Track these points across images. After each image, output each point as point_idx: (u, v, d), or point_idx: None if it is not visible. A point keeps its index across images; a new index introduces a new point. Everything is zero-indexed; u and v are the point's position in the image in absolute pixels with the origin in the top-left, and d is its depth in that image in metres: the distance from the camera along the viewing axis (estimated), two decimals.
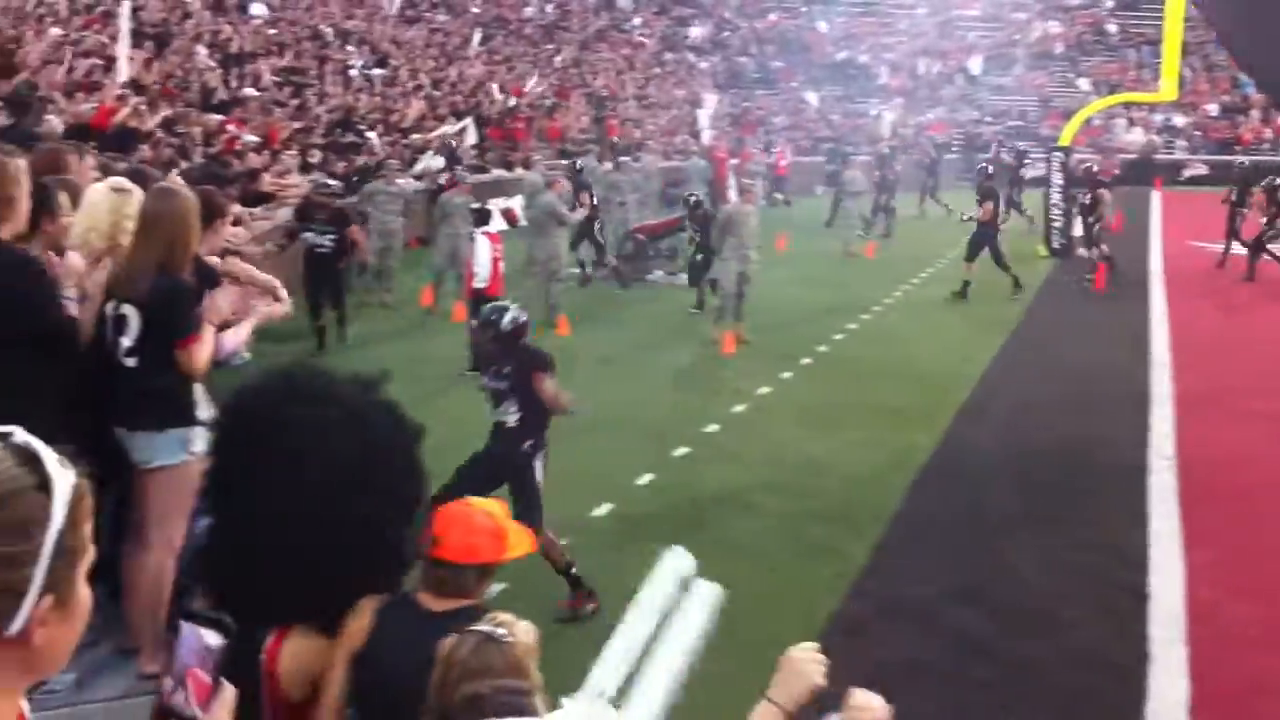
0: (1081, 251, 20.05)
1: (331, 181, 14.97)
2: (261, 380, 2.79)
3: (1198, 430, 10.48)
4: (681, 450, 9.75)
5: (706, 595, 2.65)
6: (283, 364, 2.84)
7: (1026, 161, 28.01)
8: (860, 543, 7.84)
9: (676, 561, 2.60)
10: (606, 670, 2.48)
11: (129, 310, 4.29)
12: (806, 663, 2.72)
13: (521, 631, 2.42)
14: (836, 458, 9.69)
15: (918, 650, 6.32)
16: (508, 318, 7.17)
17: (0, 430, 1.41)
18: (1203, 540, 7.93)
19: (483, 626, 2.36)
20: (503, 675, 2.27)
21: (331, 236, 13.02)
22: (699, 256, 16.32)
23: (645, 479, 8.99)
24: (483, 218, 12.90)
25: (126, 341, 4.31)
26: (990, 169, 20.66)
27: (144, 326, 4.28)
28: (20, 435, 1.42)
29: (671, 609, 2.58)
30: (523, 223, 17.80)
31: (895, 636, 6.51)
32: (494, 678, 2.26)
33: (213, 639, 2.40)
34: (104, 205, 4.61)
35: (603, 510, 8.30)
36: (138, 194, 4.62)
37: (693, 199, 17.63)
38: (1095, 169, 21.29)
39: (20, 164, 4.19)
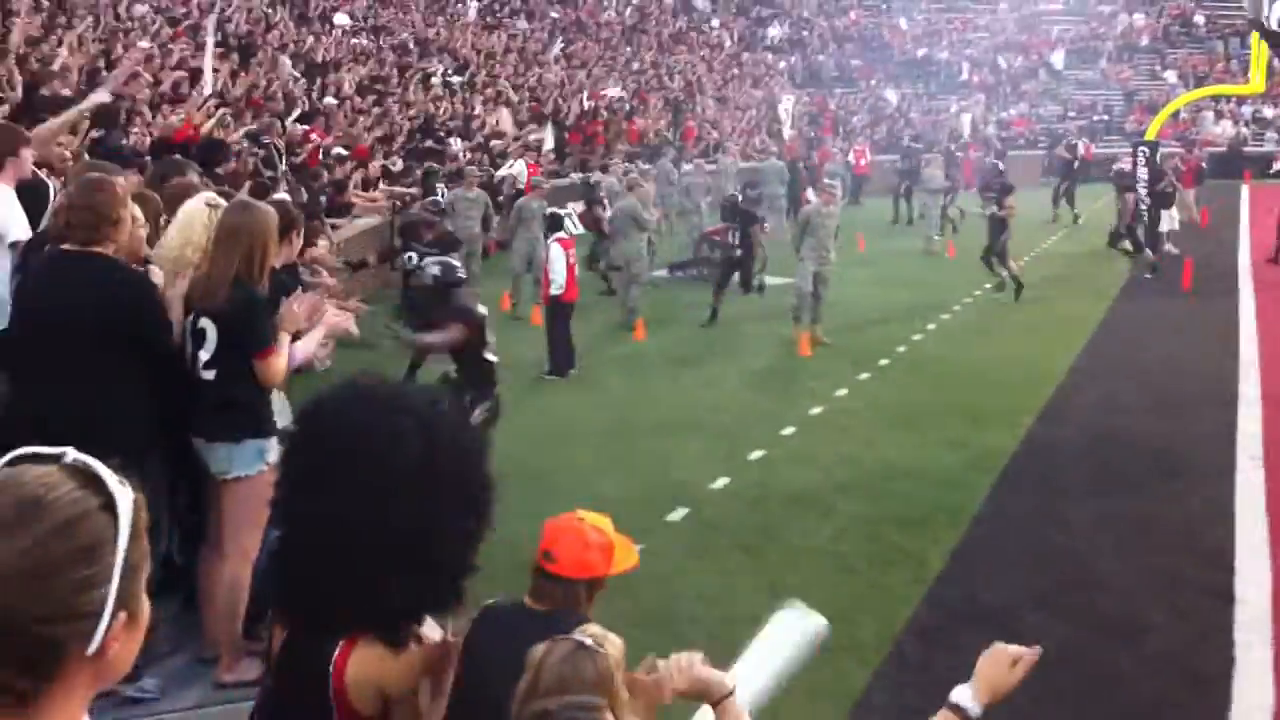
0: (1170, 248, 19.73)
1: (440, 199, 15.06)
2: (332, 389, 2.84)
3: None
4: (757, 453, 9.74)
5: (814, 628, 2.72)
6: (351, 374, 2.89)
7: (1079, 155, 28.31)
8: (938, 547, 7.77)
9: (815, 627, 2.68)
10: None
11: (206, 323, 4.41)
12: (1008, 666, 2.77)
13: (611, 644, 2.43)
14: (914, 461, 9.61)
15: None
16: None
17: (52, 452, 1.44)
18: None
19: (576, 635, 2.38)
20: (592, 686, 2.28)
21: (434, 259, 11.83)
22: (729, 256, 16.07)
23: (721, 483, 8.99)
24: (555, 224, 12.99)
25: (204, 354, 4.43)
26: (1002, 166, 20.52)
27: (220, 339, 4.39)
28: (74, 455, 1.44)
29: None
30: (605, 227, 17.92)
31: (972, 643, 6.37)
32: (582, 688, 2.27)
33: None
34: (200, 220, 4.72)
35: (678, 515, 8.30)
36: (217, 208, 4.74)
37: (735, 195, 17.02)
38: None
39: (122, 182, 4.33)
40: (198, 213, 4.77)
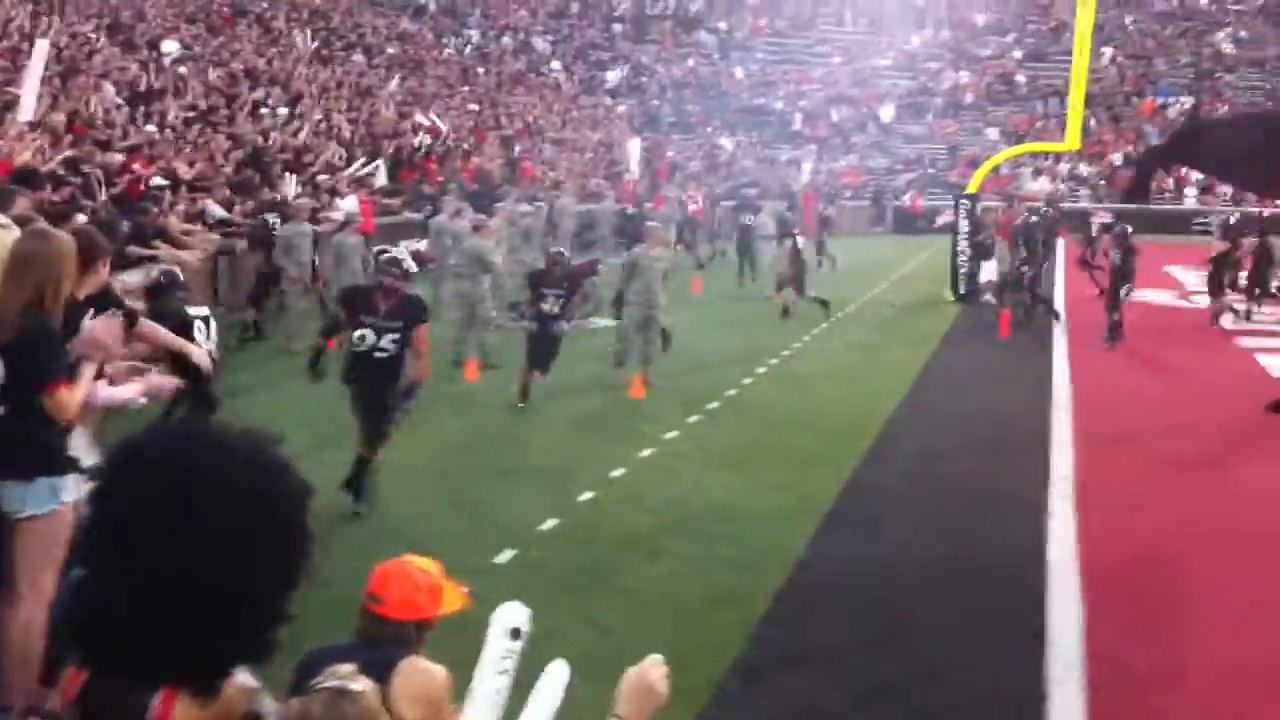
0: (988, 297, 20.43)
1: (404, 256, 12.78)
2: (156, 429, 2.71)
3: (1098, 474, 10.64)
4: (587, 495, 9.68)
5: (558, 675, 2.63)
6: (177, 416, 2.78)
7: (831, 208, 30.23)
8: (764, 588, 7.80)
9: (509, 616, 2.57)
10: None
11: None
12: (653, 679, 2.76)
13: (365, 682, 2.42)
14: (742, 503, 9.68)
15: (818, 697, 6.29)
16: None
17: None
18: (1102, 582, 8.02)
19: (331, 682, 2.33)
20: None
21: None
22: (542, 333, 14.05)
23: (549, 524, 8.89)
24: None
25: None
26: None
27: (9, 371, 4.15)
28: None
29: (511, 662, 2.57)
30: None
31: (796, 683, 6.47)
32: None
33: None
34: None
35: (505, 557, 8.18)
36: (16, 231, 4.49)
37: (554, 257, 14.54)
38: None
39: None
40: None
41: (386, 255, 9.34)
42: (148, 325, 6.07)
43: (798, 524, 9.13)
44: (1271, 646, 7.09)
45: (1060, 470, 10.77)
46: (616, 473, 10.41)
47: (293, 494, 2.66)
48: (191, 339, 7.85)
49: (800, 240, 20.20)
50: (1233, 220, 20.76)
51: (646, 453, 11.11)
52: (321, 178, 21.62)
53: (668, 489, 10.00)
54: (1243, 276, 19.63)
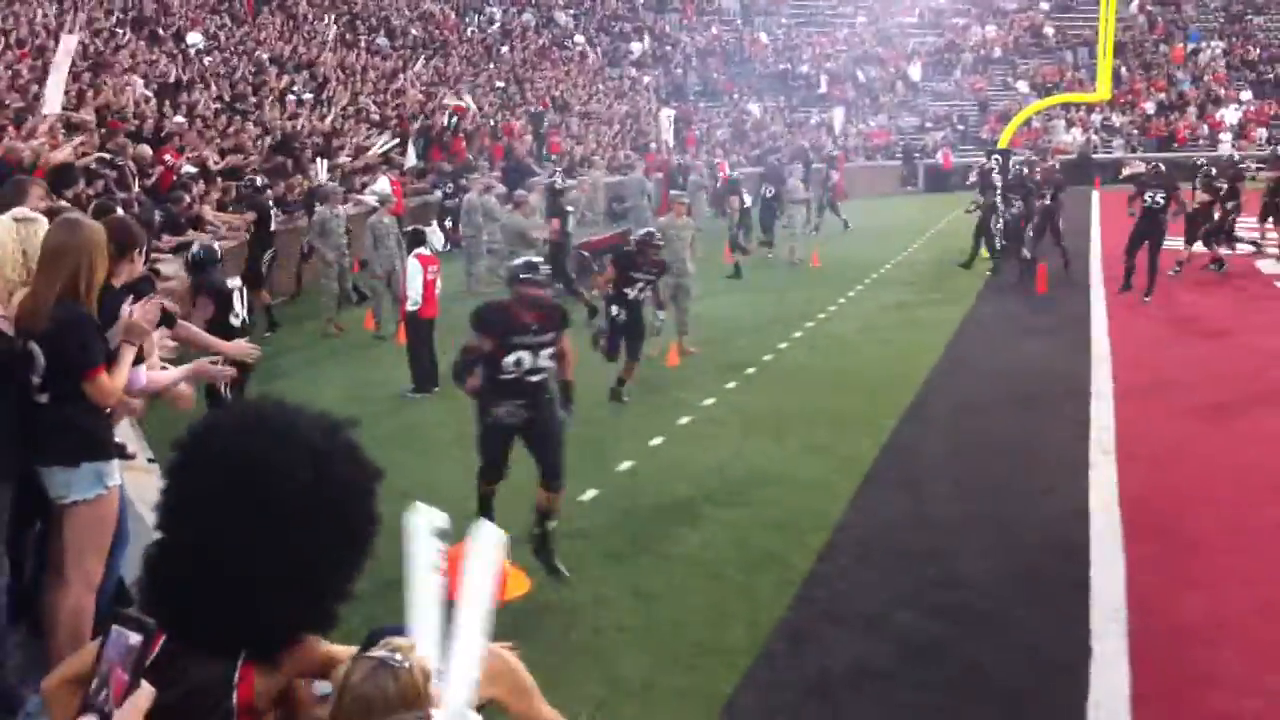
0: (1025, 252, 20.26)
1: (436, 234, 14.14)
2: (226, 412, 2.81)
3: (1138, 425, 10.59)
4: (625, 464, 9.73)
5: (489, 536, 2.57)
6: (252, 398, 2.87)
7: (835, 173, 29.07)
8: (805, 550, 7.83)
9: (429, 517, 2.52)
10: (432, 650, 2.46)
11: (34, 346, 4.24)
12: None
13: (418, 658, 2.45)
14: (781, 467, 9.70)
15: (862, 655, 6.32)
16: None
17: None
18: (1143, 533, 8.00)
19: (378, 652, 2.37)
20: (397, 703, 2.27)
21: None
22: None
23: (589, 495, 8.96)
24: (416, 239, 12.85)
25: (35, 378, 4.25)
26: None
27: (49, 361, 4.22)
28: None
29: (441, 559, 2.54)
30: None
31: (840, 643, 6.50)
32: (386, 707, 2.26)
33: (134, 638, 2.37)
34: (9, 237, 4.52)
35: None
36: (43, 224, 4.55)
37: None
38: (1030, 171, 21.55)
39: None
40: (5, 229, 4.58)
41: (522, 260, 7.70)
42: (185, 327, 6.19)
43: (838, 486, 9.15)
44: None
45: (1100, 422, 10.72)
46: (655, 441, 10.45)
47: (357, 478, 2.74)
48: (231, 308, 9.31)
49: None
50: (1214, 170, 20.32)
51: (684, 420, 11.15)
52: (344, 159, 21.67)
53: (707, 456, 10.03)
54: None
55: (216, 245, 10.48)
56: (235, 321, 9.39)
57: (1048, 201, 19.69)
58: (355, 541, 2.71)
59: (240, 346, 6.94)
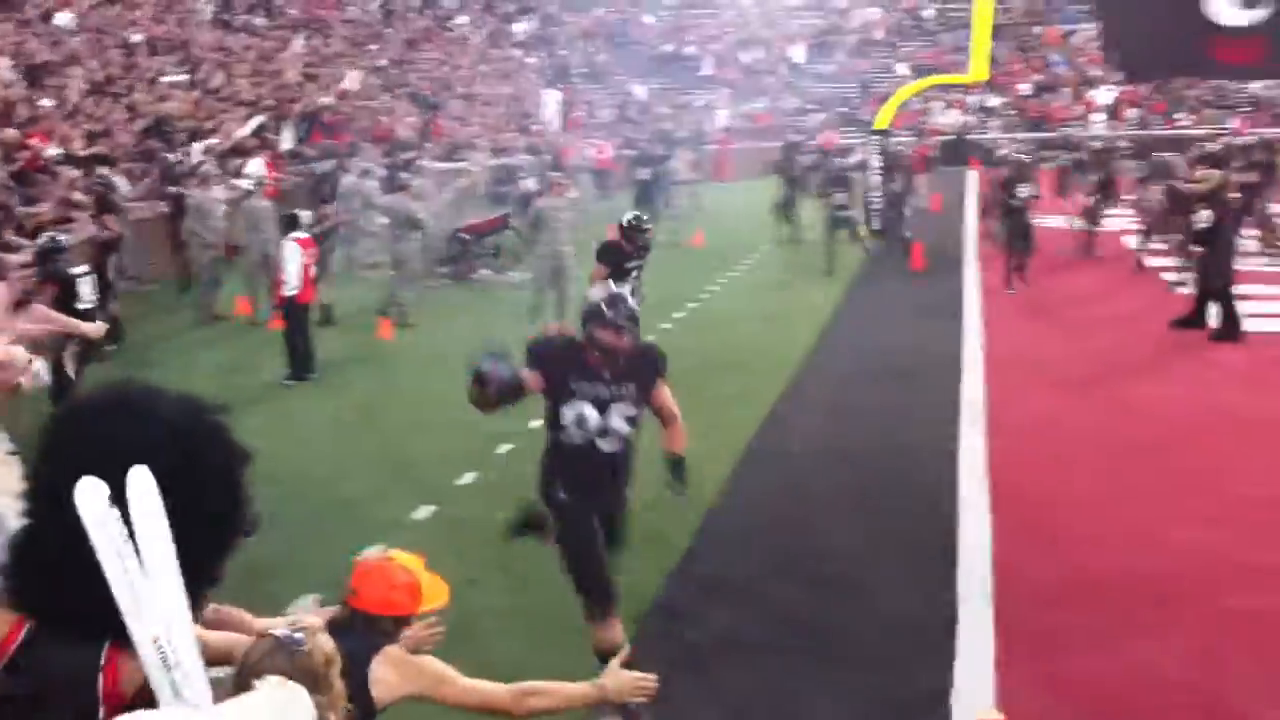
0: (906, 232, 20.58)
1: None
2: (86, 396, 2.77)
3: (1006, 397, 10.86)
4: (506, 447, 9.71)
5: (142, 480, 2.49)
6: (116, 380, 2.81)
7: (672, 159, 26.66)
8: (683, 528, 7.90)
9: (91, 491, 2.43)
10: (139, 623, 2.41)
11: None
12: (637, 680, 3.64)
13: (321, 641, 2.45)
14: (660, 446, 9.73)
15: (734, 627, 6.42)
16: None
17: None
18: (1009, 502, 8.21)
19: (280, 631, 2.38)
20: (302, 682, 2.29)
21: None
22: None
23: (468, 478, 8.94)
24: (291, 223, 12.67)
25: None
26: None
27: None
28: None
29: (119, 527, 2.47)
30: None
31: (714, 616, 6.60)
32: None
33: None
34: None
35: (424, 513, 8.22)
36: None
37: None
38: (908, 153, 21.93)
39: None
40: None
41: (609, 294, 5.62)
42: (39, 309, 6.07)
43: (717, 463, 9.24)
44: (1164, 558, 7.32)
45: (970, 395, 10.98)
46: (536, 424, 10.33)
47: (223, 461, 2.71)
48: (76, 294, 9.88)
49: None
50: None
51: None
52: (212, 141, 21.20)
53: None
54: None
55: (63, 237, 10.81)
56: (81, 307, 9.79)
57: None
58: (223, 524, 2.68)
59: (92, 327, 6.91)
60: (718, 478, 8.89)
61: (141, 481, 2.36)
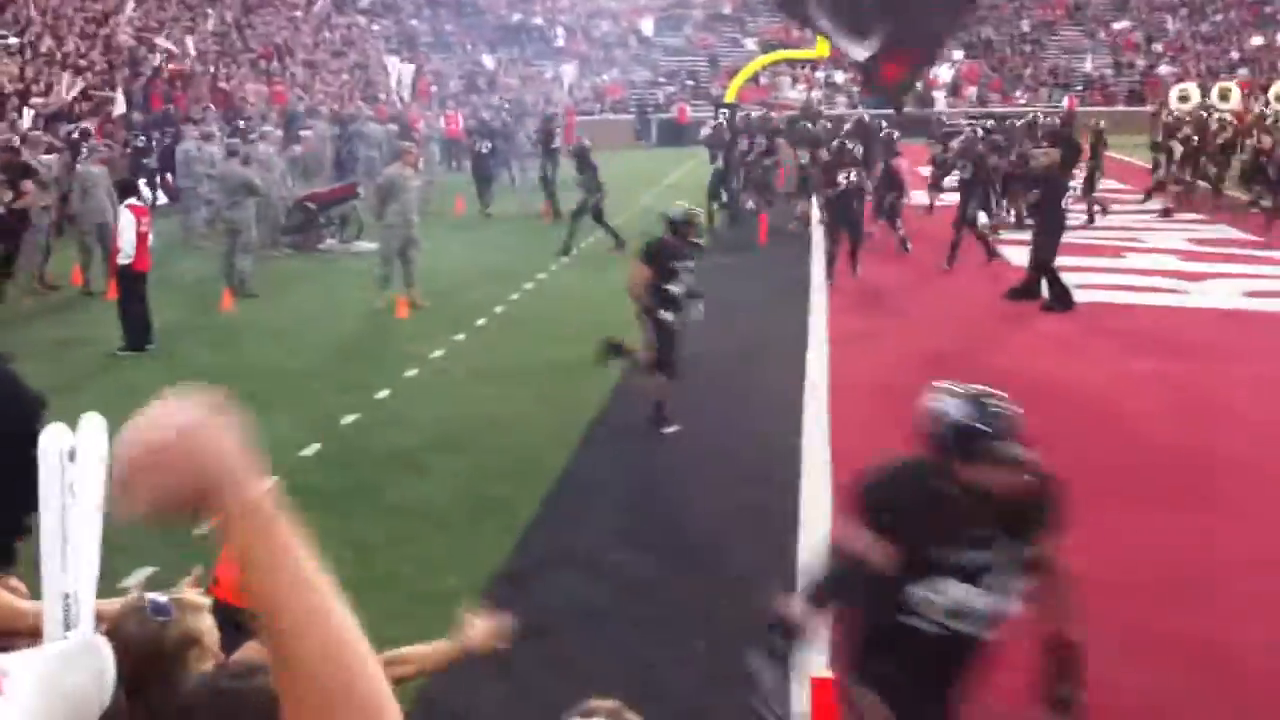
0: (750, 205, 20.81)
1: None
2: None
3: (850, 368, 11.08)
4: (350, 418, 9.58)
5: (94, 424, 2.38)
6: None
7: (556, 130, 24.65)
8: (530, 497, 7.90)
9: (58, 439, 2.31)
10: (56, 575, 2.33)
11: None
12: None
13: (190, 622, 2.37)
14: (509, 416, 9.74)
15: (581, 596, 6.44)
16: None
17: None
18: (851, 469, 8.38)
19: (153, 595, 2.31)
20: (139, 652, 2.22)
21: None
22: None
23: (311, 449, 8.79)
24: (126, 189, 12.26)
25: None
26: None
27: None
28: None
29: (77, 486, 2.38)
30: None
31: (560, 584, 6.61)
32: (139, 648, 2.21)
33: None
34: None
35: (265, 485, 8.04)
36: None
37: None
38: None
39: None
40: None
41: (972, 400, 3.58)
42: None
43: (565, 433, 9.26)
44: None
45: (815, 366, 11.18)
46: (381, 394, 10.32)
47: (15, 407, 2.60)
48: None
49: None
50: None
51: (412, 373, 11.04)
52: (36, 102, 20.37)
53: (433, 407, 9.98)
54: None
55: None
56: None
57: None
58: (18, 469, 2.59)
59: None
60: (567, 448, 8.90)
61: (94, 429, 2.25)
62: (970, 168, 16.82)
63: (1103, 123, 21.77)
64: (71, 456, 2.20)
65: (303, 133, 23.07)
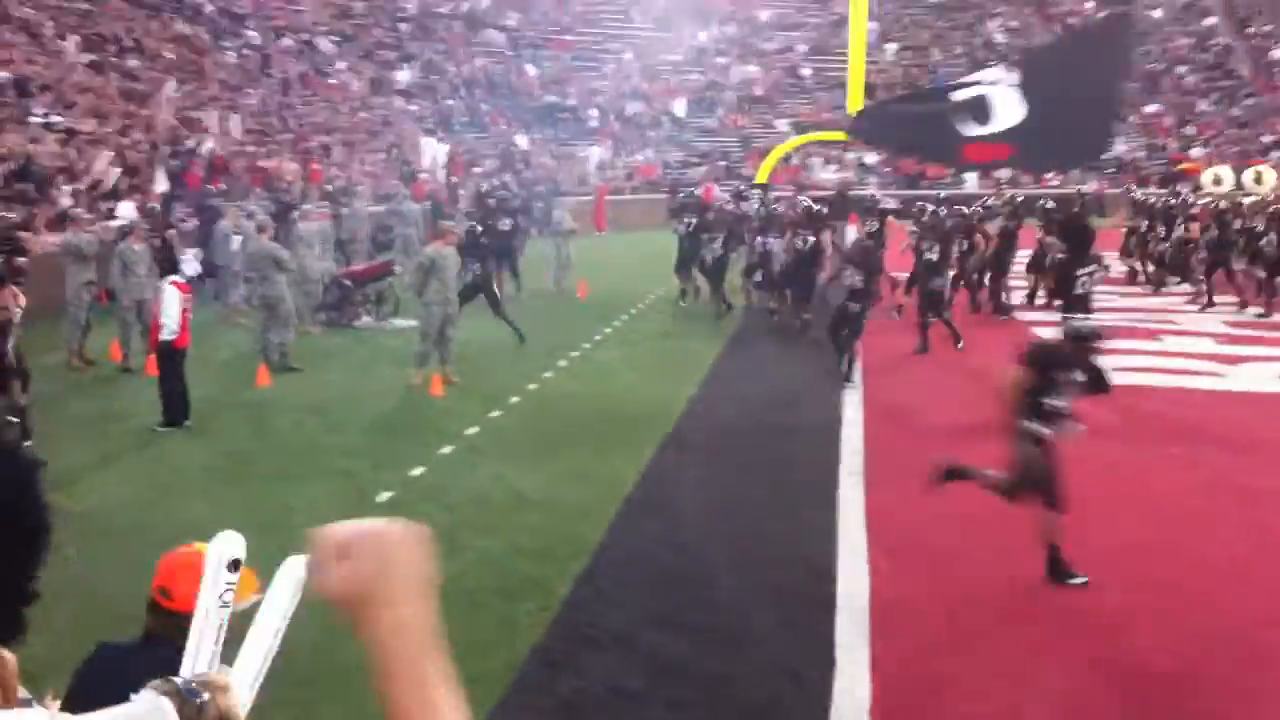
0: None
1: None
2: None
3: (885, 447, 11.04)
4: (385, 495, 9.58)
5: (293, 571, 2.42)
6: None
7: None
8: (564, 576, 7.87)
9: (227, 548, 2.34)
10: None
11: None
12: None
13: (222, 703, 2.36)
14: (543, 494, 9.72)
15: (615, 676, 6.38)
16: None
17: None
18: (887, 549, 8.33)
19: (182, 680, 2.29)
20: None
21: None
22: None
23: None
24: (169, 266, 12.41)
25: None
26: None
27: None
28: None
29: (230, 595, 2.39)
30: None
31: (594, 665, 6.56)
32: None
33: None
34: None
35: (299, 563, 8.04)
36: None
37: None
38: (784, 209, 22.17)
39: None
40: None
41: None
42: None
43: (598, 511, 9.23)
44: (1039, 607, 7.48)
45: (850, 445, 11.14)
46: (416, 471, 10.33)
47: (17, 477, 2.61)
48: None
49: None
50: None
51: (447, 450, 11.06)
52: (64, 186, 20.71)
53: (468, 484, 9.98)
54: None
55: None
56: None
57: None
58: (20, 538, 2.59)
59: None
60: (600, 526, 8.87)
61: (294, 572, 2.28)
62: (937, 248, 16.71)
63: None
64: (233, 567, 2.21)
65: (342, 210, 23.36)
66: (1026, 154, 12.11)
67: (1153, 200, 23.86)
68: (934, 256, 16.48)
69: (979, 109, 12.02)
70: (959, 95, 12.06)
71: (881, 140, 17.52)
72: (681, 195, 24.28)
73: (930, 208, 18.43)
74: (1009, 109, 12.71)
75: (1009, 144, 11.40)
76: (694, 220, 20.61)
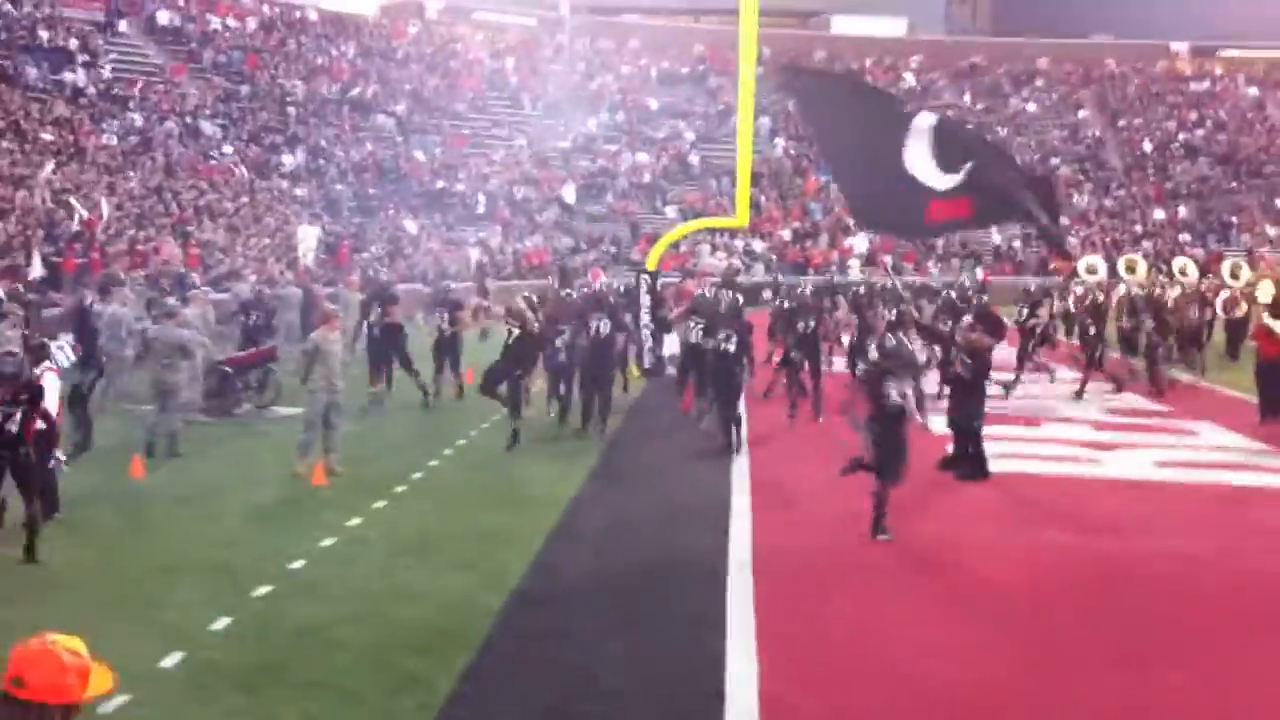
0: (671, 370, 20.92)
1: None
2: None
3: (775, 537, 11.01)
4: (263, 589, 9.28)
5: None
6: None
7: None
8: (449, 670, 7.67)
9: None
10: None
11: None
12: None
13: None
14: (427, 585, 9.51)
15: None
16: None
17: None
18: (776, 638, 8.27)
19: None
20: None
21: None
22: None
23: (221, 623, 8.47)
24: (41, 353, 11.97)
25: None
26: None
27: None
28: None
29: None
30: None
31: None
32: None
33: None
34: None
35: (172, 660, 7.72)
36: None
37: None
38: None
39: None
40: None
41: None
42: None
43: (484, 603, 9.04)
44: (917, 695, 7.47)
45: (738, 535, 11.10)
46: (295, 564, 10.04)
47: None
48: None
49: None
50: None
51: (328, 542, 10.77)
52: None
53: (349, 578, 9.72)
54: None
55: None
56: None
57: None
58: None
59: None
60: (486, 618, 8.67)
61: None
62: (812, 324, 18.29)
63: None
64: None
65: (223, 295, 22.95)
66: (984, 210, 12.10)
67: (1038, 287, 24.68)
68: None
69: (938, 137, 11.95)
70: (918, 122, 11.97)
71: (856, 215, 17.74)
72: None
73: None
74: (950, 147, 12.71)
75: (968, 196, 11.42)
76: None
